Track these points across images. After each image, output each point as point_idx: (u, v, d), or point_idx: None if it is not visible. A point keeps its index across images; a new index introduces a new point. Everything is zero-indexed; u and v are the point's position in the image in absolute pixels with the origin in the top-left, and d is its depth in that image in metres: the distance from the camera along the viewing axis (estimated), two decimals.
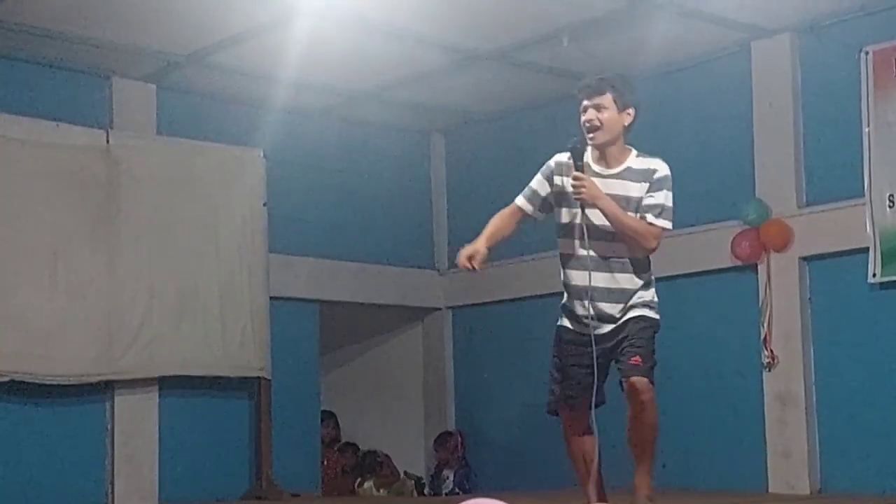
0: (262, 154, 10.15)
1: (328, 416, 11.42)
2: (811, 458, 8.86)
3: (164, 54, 9.32)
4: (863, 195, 8.54)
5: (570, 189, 5.95)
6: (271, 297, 10.14)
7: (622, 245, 5.93)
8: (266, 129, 10.27)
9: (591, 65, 9.61)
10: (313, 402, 10.84)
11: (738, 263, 9.24)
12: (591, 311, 5.95)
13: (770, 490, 8.98)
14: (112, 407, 9.49)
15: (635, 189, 5.92)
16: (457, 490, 11.00)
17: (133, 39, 9.00)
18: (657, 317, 6.05)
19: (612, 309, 5.97)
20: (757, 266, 9.14)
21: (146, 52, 9.24)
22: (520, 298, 10.93)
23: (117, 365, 9.32)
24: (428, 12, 8.54)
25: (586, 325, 5.99)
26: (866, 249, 8.53)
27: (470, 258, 6.07)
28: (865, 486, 8.52)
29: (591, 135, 5.93)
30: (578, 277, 6.06)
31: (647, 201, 5.90)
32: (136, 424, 9.56)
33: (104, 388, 9.42)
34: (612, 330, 5.99)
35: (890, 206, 8.42)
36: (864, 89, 8.58)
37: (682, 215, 9.59)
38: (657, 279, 9.73)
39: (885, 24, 8.58)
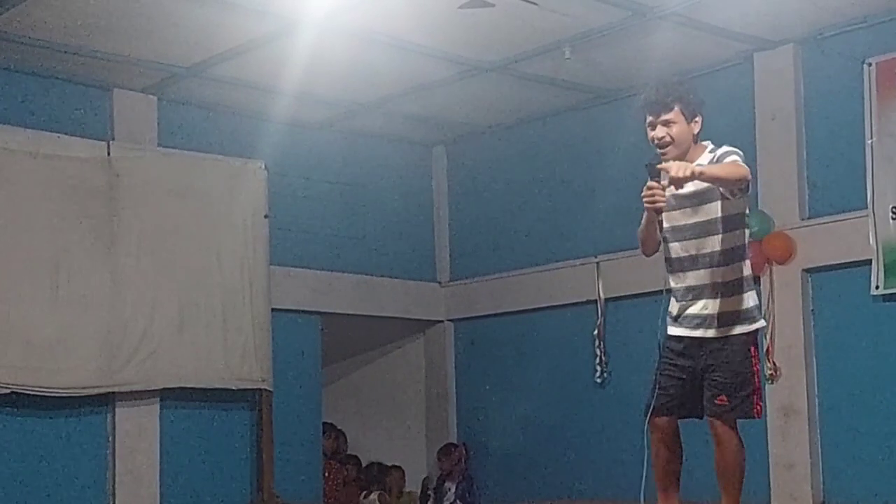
0: (263, 166, 10.14)
1: (330, 428, 11.40)
2: (814, 469, 8.84)
3: (166, 66, 9.31)
4: (866, 207, 8.53)
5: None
6: (273, 309, 10.13)
7: (714, 240, 5.72)
8: (267, 141, 10.27)
9: (593, 77, 9.66)
10: (315, 414, 10.82)
11: None
12: (685, 312, 5.83)
13: (773, 502, 8.96)
14: (113, 419, 9.48)
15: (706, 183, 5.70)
16: (458, 502, 10.99)
17: (134, 51, 8.99)
18: (752, 328, 5.79)
19: (707, 309, 5.78)
20: (759, 278, 9.12)
21: (147, 64, 9.24)
22: (521, 311, 10.92)
23: (119, 377, 9.31)
24: (430, 24, 8.54)
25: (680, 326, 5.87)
26: (869, 262, 8.52)
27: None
28: (868, 497, 8.50)
29: (662, 151, 5.77)
30: (675, 279, 5.90)
31: (724, 159, 5.66)
32: (138, 436, 9.54)
33: (106, 400, 9.41)
34: (710, 340, 5.78)
35: (893, 218, 8.40)
36: (868, 101, 8.57)
37: None
38: (659, 292, 9.75)
39: (889, 35, 8.57)
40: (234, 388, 9.88)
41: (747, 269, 5.79)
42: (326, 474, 11.00)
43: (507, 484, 10.93)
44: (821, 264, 8.89)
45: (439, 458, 11.36)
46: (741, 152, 5.70)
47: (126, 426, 9.51)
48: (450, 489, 11.20)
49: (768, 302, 9.04)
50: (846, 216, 8.70)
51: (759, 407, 5.82)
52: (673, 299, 5.93)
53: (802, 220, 9.00)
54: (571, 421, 10.50)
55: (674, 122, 5.73)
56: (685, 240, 5.78)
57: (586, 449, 10.30)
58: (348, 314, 11.08)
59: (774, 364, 8.99)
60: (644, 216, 5.83)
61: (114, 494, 9.42)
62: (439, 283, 11.72)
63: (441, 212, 11.79)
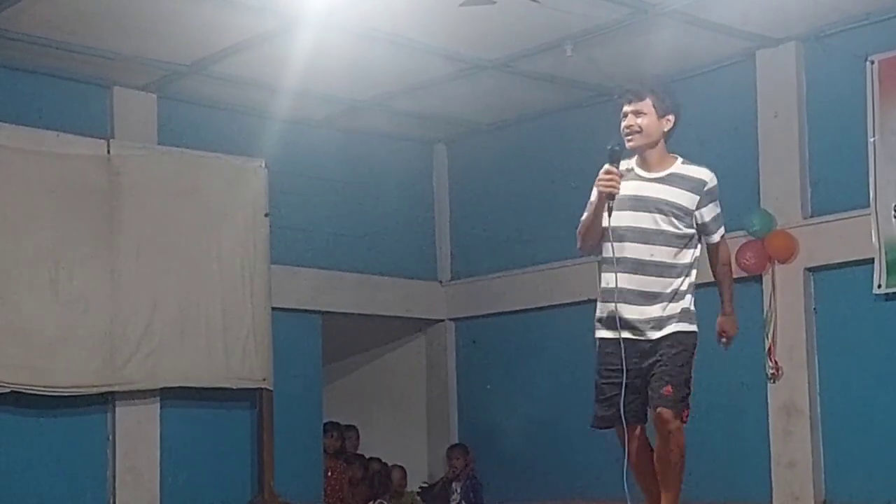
0: (264, 164, 10.12)
1: (333, 427, 11.37)
2: (816, 468, 8.83)
3: (166, 64, 9.30)
4: (868, 205, 8.50)
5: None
6: (274, 308, 10.11)
7: (662, 250, 5.75)
8: (268, 139, 10.25)
9: (594, 74, 9.63)
10: (315, 414, 10.81)
11: (743, 274, 9.18)
12: (620, 315, 5.76)
13: (775, 501, 8.96)
14: (114, 418, 9.47)
15: (684, 199, 5.76)
16: (463, 502, 10.98)
17: (134, 49, 8.98)
18: (693, 328, 5.85)
19: (644, 314, 5.76)
20: (762, 277, 9.11)
21: (147, 61, 9.22)
22: (522, 310, 10.90)
23: (119, 376, 9.29)
24: (431, 22, 8.52)
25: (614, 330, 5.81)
26: (872, 260, 8.50)
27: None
28: (870, 496, 8.49)
29: (629, 138, 5.82)
30: (610, 280, 5.82)
31: (708, 217, 5.81)
32: (138, 435, 9.53)
33: (106, 400, 9.39)
34: (647, 342, 5.77)
35: (895, 217, 8.38)
36: (870, 98, 8.55)
37: None
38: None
39: (892, 33, 8.55)
40: (234, 387, 9.86)
41: (694, 279, 5.88)
42: (329, 473, 10.98)
43: (509, 483, 10.91)
44: (823, 263, 8.87)
45: (450, 458, 11.34)
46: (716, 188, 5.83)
47: (126, 425, 9.49)
48: (456, 490, 11.19)
49: (770, 301, 9.02)
50: (848, 215, 8.68)
51: (687, 412, 5.85)
52: (609, 300, 5.81)
53: (805, 218, 8.98)
54: (573, 420, 10.45)
55: (644, 114, 5.78)
56: (639, 242, 5.75)
57: (588, 448, 10.26)
58: (349, 313, 11.07)
59: (776, 363, 8.98)
60: (591, 206, 5.80)
61: (114, 493, 9.41)
62: (440, 281, 11.71)
63: (442, 210, 11.77)
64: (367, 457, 11.68)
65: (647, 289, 5.73)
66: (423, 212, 11.70)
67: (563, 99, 10.33)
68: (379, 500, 11.22)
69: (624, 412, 5.75)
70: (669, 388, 5.72)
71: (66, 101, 9.48)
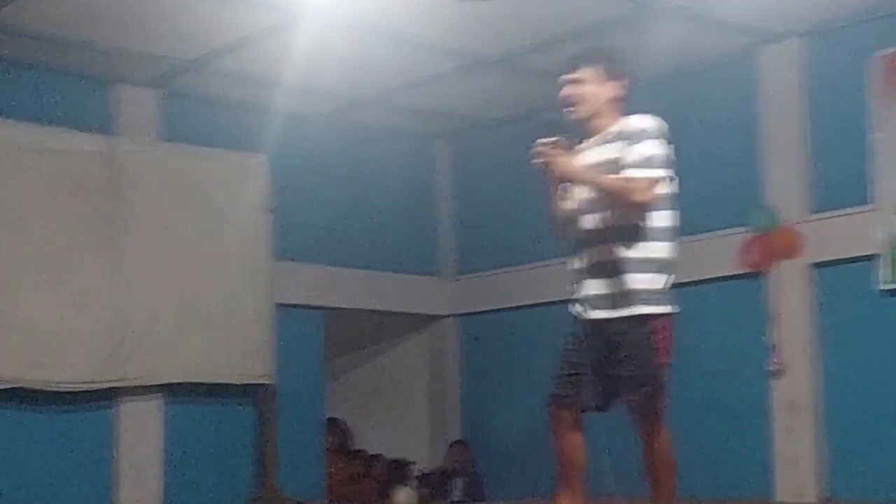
0: (266, 160, 10.11)
1: (336, 424, 11.37)
2: (819, 465, 8.81)
3: (168, 59, 9.29)
4: (871, 201, 8.49)
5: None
6: (276, 304, 10.11)
7: (613, 215, 5.40)
8: (270, 135, 10.23)
9: None
10: (318, 410, 10.80)
11: (747, 270, 9.19)
12: (582, 293, 5.55)
13: (777, 498, 8.94)
14: (117, 414, 9.47)
15: (611, 150, 5.41)
16: (463, 499, 10.98)
17: (136, 45, 8.97)
18: (663, 310, 5.40)
19: (605, 289, 5.46)
20: (765, 273, 9.09)
21: (150, 57, 9.21)
22: (526, 306, 10.88)
23: (122, 372, 9.30)
24: (432, 18, 8.51)
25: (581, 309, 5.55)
26: (875, 256, 8.49)
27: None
28: (873, 493, 8.46)
29: (569, 109, 5.55)
30: (572, 258, 5.65)
31: (626, 158, 5.32)
32: (141, 431, 9.54)
33: (109, 395, 9.40)
34: (609, 322, 5.45)
35: None
36: (873, 94, 8.53)
37: (690, 222, 9.60)
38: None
39: (894, 28, 8.53)
40: (236, 382, 9.87)
41: (659, 252, 5.41)
42: (331, 469, 10.97)
43: (511, 479, 10.90)
44: (826, 259, 8.85)
45: (451, 453, 11.34)
46: (656, 134, 5.36)
47: (129, 421, 9.50)
48: (456, 485, 11.18)
49: (774, 297, 9.01)
50: (852, 210, 8.65)
51: (664, 405, 5.43)
52: (576, 278, 5.66)
53: (808, 214, 8.96)
54: None
55: (584, 81, 5.53)
56: (590, 213, 5.48)
57: (590, 444, 10.26)
58: (351, 309, 11.06)
59: (779, 359, 8.96)
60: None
61: (117, 489, 9.40)
62: (443, 277, 11.70)
63: (444, 206, 11.76)
64: (368, 453, 11.67)
65: (604, 259, 5.43)
66: (425, 207, 11.69)
67: None
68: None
69: (580, 395, 5.46)
70: (635, 394, 5.37)
71: (69, 97, 9.47)
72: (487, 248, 11.36)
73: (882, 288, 8.48)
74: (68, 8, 8.22)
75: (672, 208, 5.51)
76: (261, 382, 9.98)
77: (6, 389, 8.81)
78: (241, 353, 9.83)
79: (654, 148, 5.36)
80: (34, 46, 8.87)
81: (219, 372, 9.76)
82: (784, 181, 9.07)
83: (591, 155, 5.49)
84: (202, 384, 9.74)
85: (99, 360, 9.19)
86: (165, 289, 9.51)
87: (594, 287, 5.54)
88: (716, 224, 9.39)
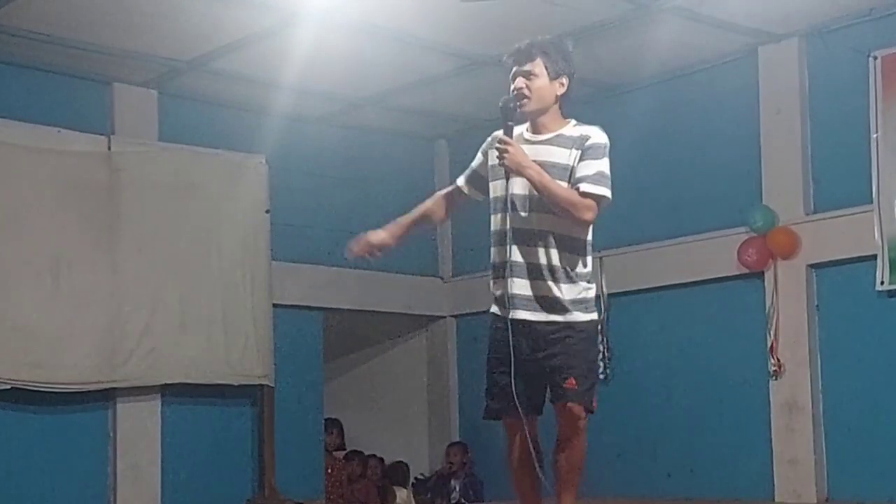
0: (264, 161, 10.10)
1: (332, 424, 11.37)
2: (818, 466, 8.80)
3: (166, 60, 9.27)
4: (871, 202, 8.47)
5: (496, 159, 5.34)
6: (274, 305, 10.10)
7: (552, 219, 5.28)
8: (268, 136, 10.22)
9: (596, 70, 9.59)
10: (317, 410, 10.78)
11: (745, 271, 9.18)
12: (509, 291, 5.32)
13: (777, 498, 8.93)
14: (114, 415, 9.46)
15: (562, 155, 5.28)
16: (462, 500, 10.96)
17: (135, 45, 8.95)
18: (591, 317, 5.36)
19: (536, 291, 5.31)
20: (764, 273, 9.08)
21: (148, 57, 9.20)
22: None
23: (120, 372, 9.28)
24: (432, 18, 8.49)
25: (511, 308, 5.32)
26: (874, 257, 8.47)
27: (368, 245, 5.90)
28: (872, 494, 8.46)
29: (519, 103, 5.34)
30: (499, 254, 5.45)
31: (581, 171, 5.22)
32: (139, 432, 9.52)
33: (107, 396, 9.38)
34: (540, 324, 5.31)
35: None
36: (873, 95, 8.52)
37: (688, 222, 9.66)
38: (662, 287, 9.67)
39: (894, 28, 8.52)
40: (235, 383, 9.84)
41: (588, 266, 5.39)
42: (329, 470, 10.96)
43: (509, 481, 10.86)
44: (825, 260, 8.84)
45: (448, 454, 11.32)
46: (608, 153, 5.29)
47: (127, 422, 9.49)
48: (455, 487, 11.17)
49: (772, 297, 9.00)
50: (851, 211, 8.64)
51: (595, 401, 5.37)
52: (499, 276, 5.44)
53: (807, 215, 8.95)
54: None
55: (535, 76, 5.34)
56: (525, 211, 5.35)
57: (590, 445, 10.27)
58: (350, 309, 11.05)
59: (778, 360, 8.96)
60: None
61: (115, 490, 9.40)
62: (441, 278, 11.69)
63: None
64: (365, 453, 11.66)
65: (536, 261, 5.29)
66: None
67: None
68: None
69: (517, 401, 5.26)
70: (572, 380, 5.26)
71: (67, 97, 9.45)
72: (486, 249, 11.24)
73: (881, 289, 8.47)
74: (66, 8, 8.20)
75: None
76: (259, 383, 9.96)
77: (4, 390, 8.79)
78: (239, 354, 9.81)
79: (607, 166, 5.30)
80: (32, 47, 8.85)
81: (217, 373, 9.73)
82: (783, 181, 9.06)
83: (538, 151, 5.34)
84: (201, 385, 9.72)
85: (97, 360, 9.17)
86: (163, 289, 9.49)
87: (524, 287, 5.34)
88: (715, 224, 9.38)
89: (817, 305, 8.92)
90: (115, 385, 9.32)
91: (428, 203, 6.05)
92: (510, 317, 5.29)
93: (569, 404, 5.29)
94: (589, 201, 5.21)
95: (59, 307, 9.02)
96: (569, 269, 5.32)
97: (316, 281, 10.67)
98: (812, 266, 8.92)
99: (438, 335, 11.79)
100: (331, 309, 10.86)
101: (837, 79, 8.87)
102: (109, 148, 9.40)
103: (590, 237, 5.42)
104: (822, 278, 8.92)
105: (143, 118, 9.76)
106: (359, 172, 11.12)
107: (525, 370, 5.32)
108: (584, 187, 5.21)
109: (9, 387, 8.79)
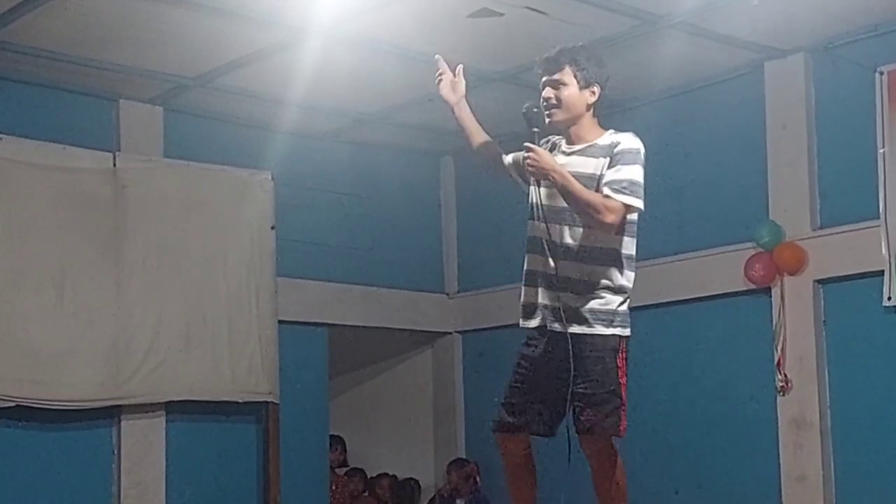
0: (270, 177, 10.10)
1: (335, 441, 11.35)
2: (826, 482, 8.76)
3: (172, 77, 9.28)
4: (878, 217, 8.45)
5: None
6: (280, 321, 10.08)
7: (584, 230, 5.27)
8: (274, 152, 10.22)
9: None
10: (322, 427, 10.76)
11: (752, 287, 9.15)
12: (539, 301, 5.36)
13: None
14: (119, 432, 9.43)
15: (591, 165, 5.26)
16: None
17: (140, 62, 8.95)
18: (619, 332, 5.28)
19: (571, 303, 5.29)
20: (770, 289, 9.06)
21: (153, 74, 9.20)
22: None
23: (124, 389, 9.26)
24: (438, 34, 8.48)
25: (537, 318, 5.37)
26: (881, 272, 8.44)
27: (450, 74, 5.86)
28: None
29: (548, 113, 5.36)
30: (533, 262, 5.48)
31: (608, 176, 5.19)
32: (144, 449, 9.49)
33: (111, 413, 9.36)
34: (570, 337, 5.27)
35: None
36: (879, 110, 8.49)
37: (695, 238, 9.64)
38: (668, 303, 9.64)
39: None
40: (240, 400, 9.82)
41: (620, 279, 5.30)
42: (333, 487, 10.94)
43: None
44: (833, 275, 8.81)
45: (448, 472, 11.27)
46: (641, 160, 5.23)
47: (132, 439, 9.46)
48: None
49: (779, 313, 8.97)
50: (858, 226, 8.61)
51: (624, 424, 5.24)
52: (530, 284, 5.47)
53: (814, 230, 8.92)
54: None
55: (564, 85, 5.34)
56: (555, 223, 5.36)
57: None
58: (356, 326, 11.03)
59: (786, 376, 8.92)
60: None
61: None
62: (447, 294, 11.67)
63: (449, 222, 11.73)
64: (367, 473, 11.64)
65: (572, 275, 5.26)
66: (430, 224, 11.66)
67: None
68: None
69: (528, 423, 5.27)
70: (589, 412, 5.18)
71: (72, 114, 9.45)
72: (492, 264, 11.31)
73: (889, 304, 8.44)
74: (72, 26, 8.20)
75: (635, 236, 5.41)
76: (264, 400, 9.94)
77: (8, 408, 8.78)
78: (244, 371, 9.79)
79: (639, 174, 5.25)
80: (38, 64, 8.86)
81: (222, 389, 9.71)
82: (790, 197, 9.04)
83: (571, 162, 5.33)
84: (206, 402, 9.70)
85: (102, 377, 9.15)
86: (169, 306, 9.48)
87: (555, 299, 5.34)
88: (722, 240, 9.36)
89: (824, 321, 8.89)
90: (119, 402, 9.30)
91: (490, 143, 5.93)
92: (539, 325, 5.35)
93: (586, 438, 5.25)
94: (611, 203, 5.15)
95: (63, 324, 9.00)
96: (597, 281, 5.26)
97: (321, 297, 10.66)
98: (819, 281, 8.89)
99: (444, 351, 11.77)
100: (336, 325, 10.84)
101: (844, 94, 8.86)
102: (115, 164, 9.39)
103: (628, 251, 5.33)
104: (829, 294, 8.90)
105: (148, 135, 9.76)
106: (364, 188, 11.12)
107: (547, 388, 5.29)
108: (606, 192, 5.17)
109: (12, 404, 8.77)
